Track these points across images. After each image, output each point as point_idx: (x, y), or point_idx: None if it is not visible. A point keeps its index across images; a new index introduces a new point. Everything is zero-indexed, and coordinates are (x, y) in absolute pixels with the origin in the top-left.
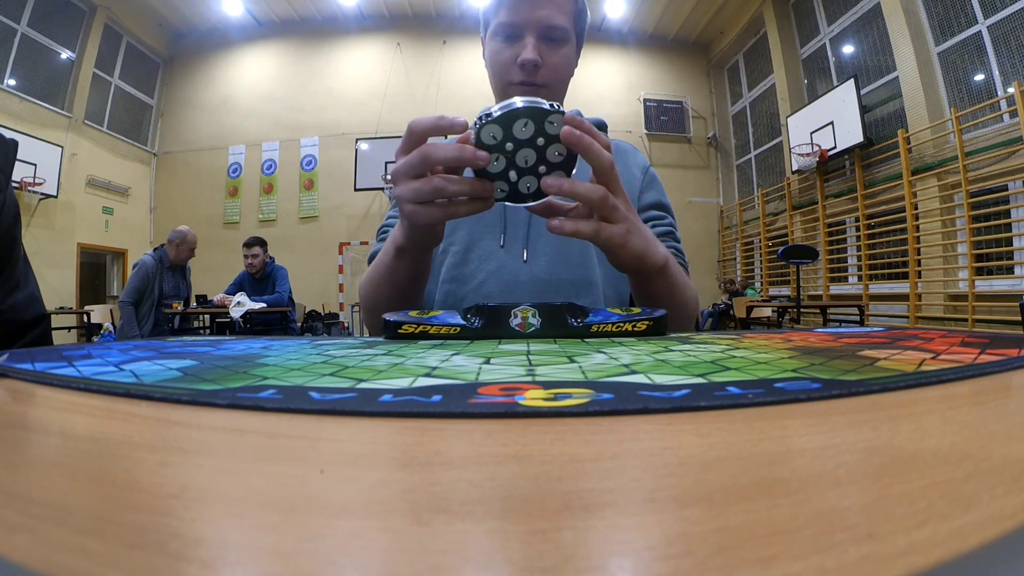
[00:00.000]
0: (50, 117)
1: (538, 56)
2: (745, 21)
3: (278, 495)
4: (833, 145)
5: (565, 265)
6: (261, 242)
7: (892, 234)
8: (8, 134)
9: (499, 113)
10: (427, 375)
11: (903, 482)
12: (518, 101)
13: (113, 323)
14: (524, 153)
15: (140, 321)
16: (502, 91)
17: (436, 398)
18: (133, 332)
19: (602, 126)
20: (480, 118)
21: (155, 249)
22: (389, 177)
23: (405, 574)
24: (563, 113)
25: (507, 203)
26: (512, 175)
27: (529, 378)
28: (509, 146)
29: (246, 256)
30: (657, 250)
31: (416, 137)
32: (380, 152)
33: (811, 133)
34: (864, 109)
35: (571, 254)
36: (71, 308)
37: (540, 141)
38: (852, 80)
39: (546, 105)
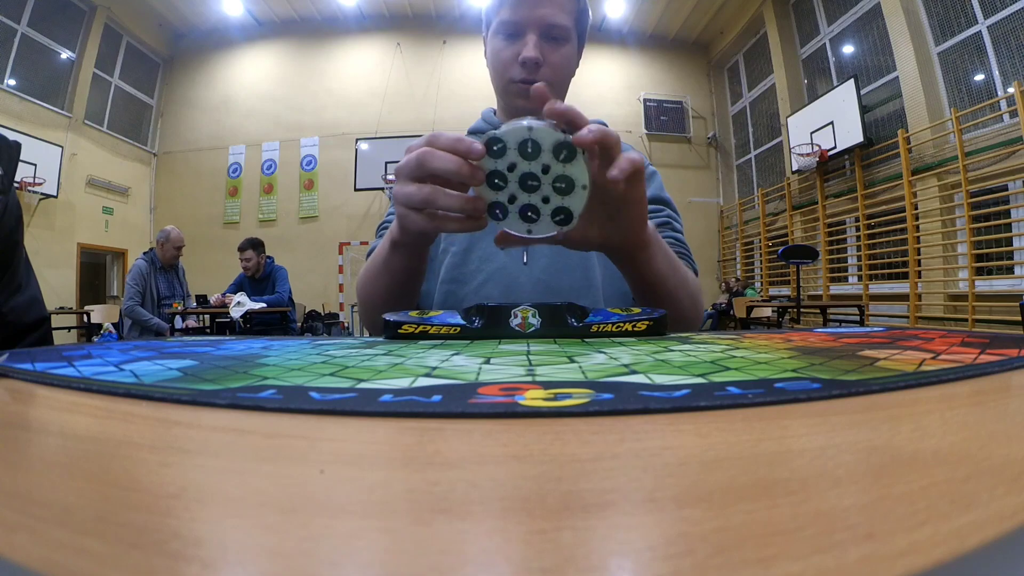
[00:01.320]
0: (50, 117)
1: (539, 54)
2: (745, 21)
3: (278, 495)
4: (833, 145)
5: (565, 267)
6: (254, 244)
7: (892, 234)
8: (8, 134)
9: (508, 130)
10: (427, 375)
11: (903, 482)
12: (527, 121)
13: (114, 323)
14: (529, 177)
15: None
16: (503, 89)
17: (436, 398)
18: (153, 322)
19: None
20: (489, 133)
21: (145, 252)
22: (391, 176)
23: (405, 574)
24: (573, 144)
25: (506, 229)
26: (514, 198)
27: (529, 378)
28: (514, 167)
29: (240, 260)
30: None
31: (430, 145)
32: (380, 152)
33: (811, 133)
34: (864, 109)
35: (571, 256)
36: (71, 308)
37: (548, 166)
38: (852, 80)
39: (560, 135)
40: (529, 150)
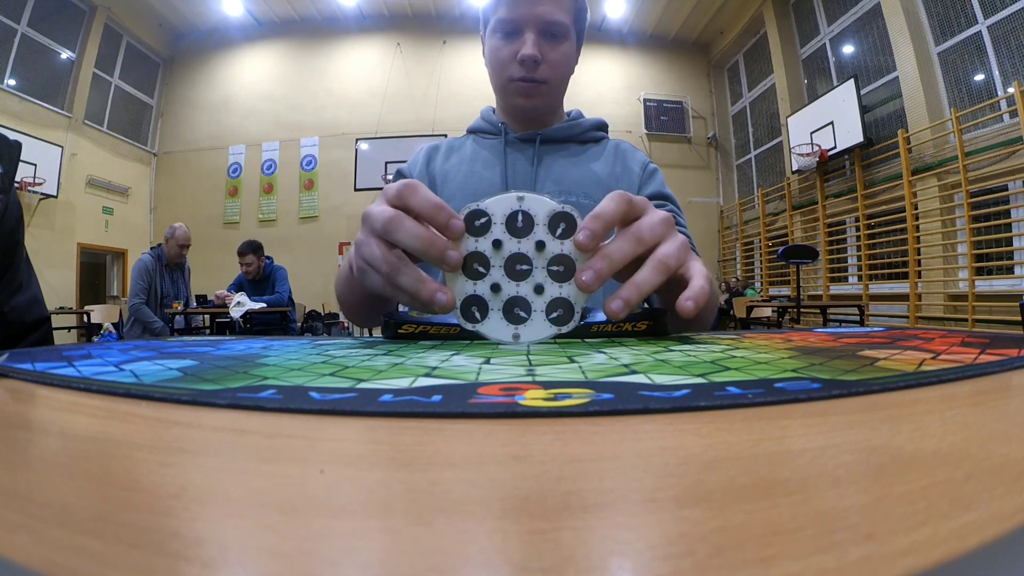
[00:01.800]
0: (50, 117)
1: (538, 52)
2: (745, 21)
3: (278, 495)
4: (833, 145)
5: None
6: (254, 248)
7: (892, 234)
8: (8, 134)
9: (493, 200)
10: (427, 375)
11: (903, 482)
12: (518, 195)
13: (114, 323)
14: (518, 260)
15: None
16: (502, 88)
17: (436, 398)
18: (157, 325)
19: (602, 126)
20: (471, 205)
21: (152, 248)
22: (390, 176)
23: (405, 574)
24: (574, 217)
25: (486, 334)
26: (498, 287)
27: (529, 378)
28: (500, 245)
29: (241, 264)
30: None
31: (402, 202)
32: (380, 152)
33: (811, 133)
34: (864, 109)
35: None
36: (71, 308)
37: (543, 243)
38: (852, 80)
39: (555, 204)
40: (519, 224)
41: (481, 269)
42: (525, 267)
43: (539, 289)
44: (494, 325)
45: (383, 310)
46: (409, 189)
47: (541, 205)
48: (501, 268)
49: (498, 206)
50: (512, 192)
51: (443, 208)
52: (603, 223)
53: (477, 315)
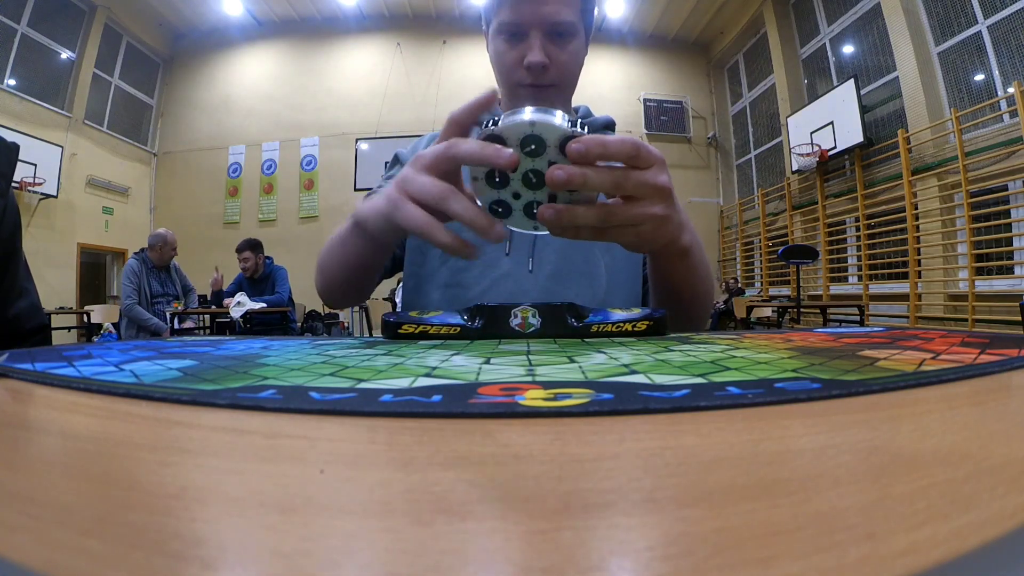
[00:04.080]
0: (50, 117)
1: (545, 57)
2: (745, 21)
3: (278, 495)
4: (833, 145)
5: (570, 275)
6: (252, 245)
7: (892, 234)
8: (8, 134)
9: (506, 125)
10: (427, 375)
11: (903, 482)
12: (529, 115)
13: (114, 323)
14: (534, 174)
15: None
16: (509, 92)
17: (436, 398)
18: (152, 322)
19: (610, 124)
20: (486, 131)
21: (136, 253)
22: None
23: (405, 574)
24: (581, 135)
25: (511, 227)
26: (518, 195)
27: (529, 378)
28: (516, 164)
29: (239, 261)
30: (687, 231)
31: (455, 128)
32: (380, 152)
33: (811, 133)
34: (864, 109)
35: (576, 264)
36: (71, 308)
37: (554, 164)
38: (852, 80)
39: (563, 123)
40: (532, 147)
41: (501, 181)
42: (541, 179)
43: (553, 197)
44: (517, 220)
45: (365, 284)
46: (458, 143)
47: (552, 132)
48: (519, 180)
49: (512, 131)
50: (523, 114)
51: (485, 145)
52: (603, 147)
53: (501, 212)
